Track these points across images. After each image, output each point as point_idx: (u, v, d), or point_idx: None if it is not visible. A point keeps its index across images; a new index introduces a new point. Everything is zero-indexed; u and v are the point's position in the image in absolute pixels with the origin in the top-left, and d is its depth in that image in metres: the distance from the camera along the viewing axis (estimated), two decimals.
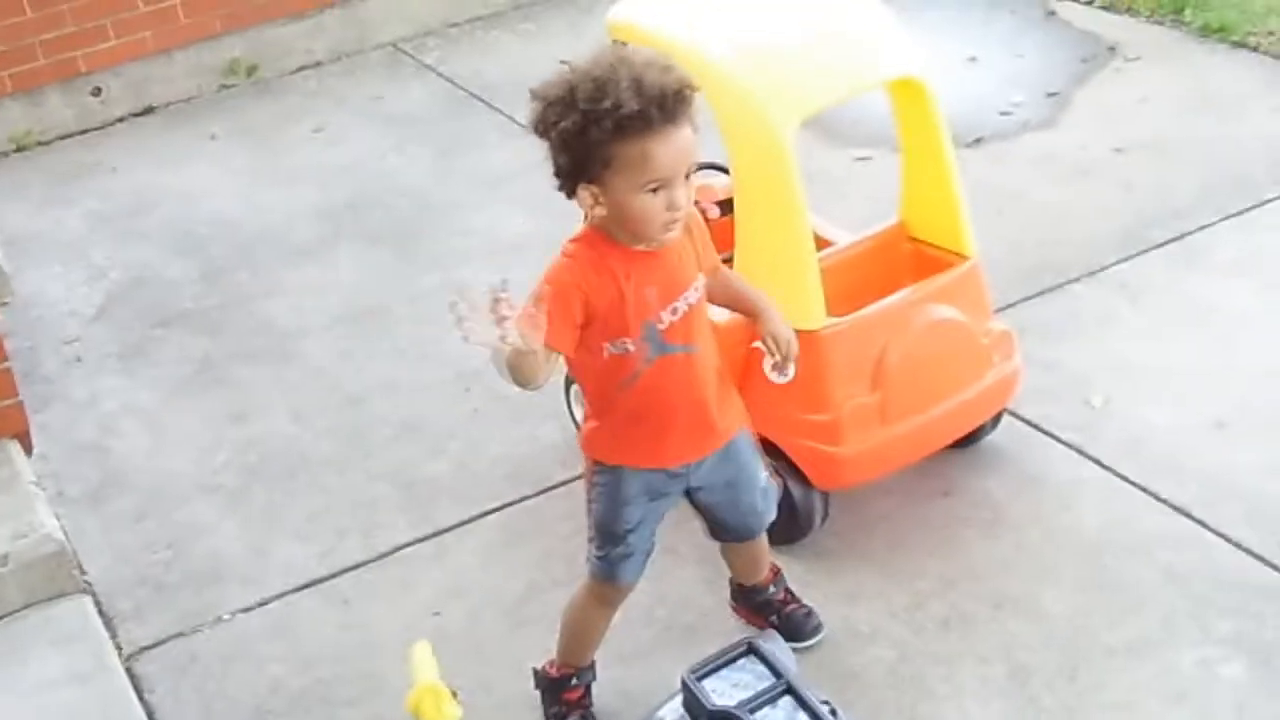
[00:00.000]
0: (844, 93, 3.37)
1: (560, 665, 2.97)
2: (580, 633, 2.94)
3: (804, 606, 3.17)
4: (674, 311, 2.63)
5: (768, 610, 3.14)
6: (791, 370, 2.81)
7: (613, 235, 2.56)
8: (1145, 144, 5.02)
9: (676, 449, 2.75)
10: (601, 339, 2.61)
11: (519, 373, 2.46)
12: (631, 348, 2.61)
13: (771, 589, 3.14)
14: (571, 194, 2.52)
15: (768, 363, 3.18)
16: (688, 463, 2.77)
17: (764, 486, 2.93)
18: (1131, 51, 5.68)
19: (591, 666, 2.99)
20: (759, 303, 2.84)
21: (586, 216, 2.58)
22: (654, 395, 2.68)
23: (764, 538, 3.04)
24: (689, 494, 2.84)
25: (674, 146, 2.43)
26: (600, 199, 2.49)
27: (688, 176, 2.49)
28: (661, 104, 2.40)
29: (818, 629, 3.16)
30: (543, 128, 2.48)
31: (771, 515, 2.98)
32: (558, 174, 2.51)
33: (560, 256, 2.59)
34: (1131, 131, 5.10)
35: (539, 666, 3.00)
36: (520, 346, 2.35)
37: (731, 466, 2.84)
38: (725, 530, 2.97)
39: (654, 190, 2.46)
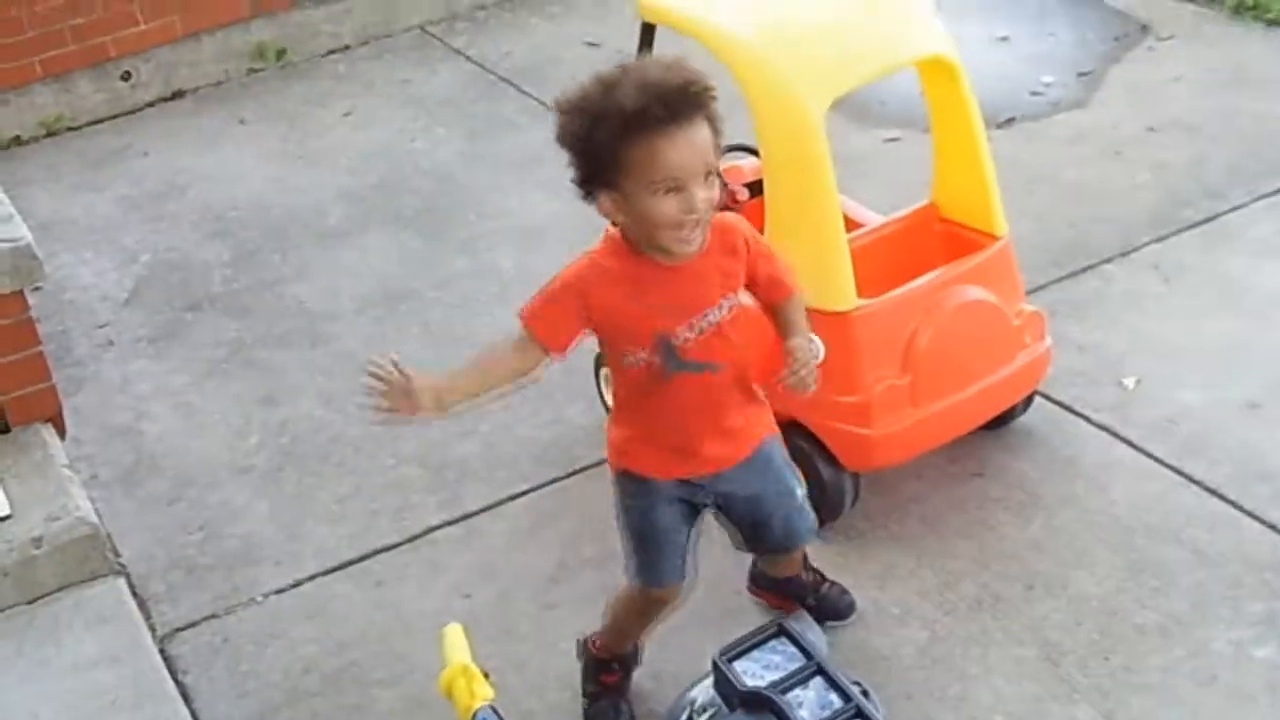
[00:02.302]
0: (875, 72, 3.35)
1: (602, 646, 2.97)
2: (620, 628, 2.94)
3: (837, 585, 3.17)
4: (693, 328, 2.57)
5: (802, 593, 3.13)
6: (811, 384, 2.66)
7: (636, 245, 2.52)
8: (1178, 123, 4.99)
9: (692, 463, 2.71)
10: (619, 348, 2.60)
11: (487, 386, 2.57)
12: (645, 360, 2.58)
13: (803, 575, 3.14)
14: (594, 201, 2.49)
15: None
16: (703, 475, 2.72)
17: (800, 501, 2.85)
18: (1164, 30, 5.63)
19: (635, 653, 2.99)
20: (796, 327, 2.73)
21: (613, 224, 2.56)
22: (671, 410, 2.65)
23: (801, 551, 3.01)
24: (719, 507, 2.81)
25: (683, 145, 2.38)
26: (621, 206, 2.46)
27: (708, 178, 2.42)
28: (665, 101, 2.35)
29: (852, 607, 3.17)
30: (560, 136, 2.46)
31: (811, 527, 2.91)
32: (576, 182, 2.49)
33: (582, 255, 2.58)
34: (1164, 111, 5.07)
35: (584, 638, 2.99)
36: (432, 414, 2.51)
37: (758, 480, 2.78)
38: (761, 544, 2.91)
39: (667, 191, 2.41)
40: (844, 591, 3.17)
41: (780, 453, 2.82)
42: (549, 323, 2.55)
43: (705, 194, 2.43)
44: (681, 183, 2.40)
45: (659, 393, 2.63)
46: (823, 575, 3.17)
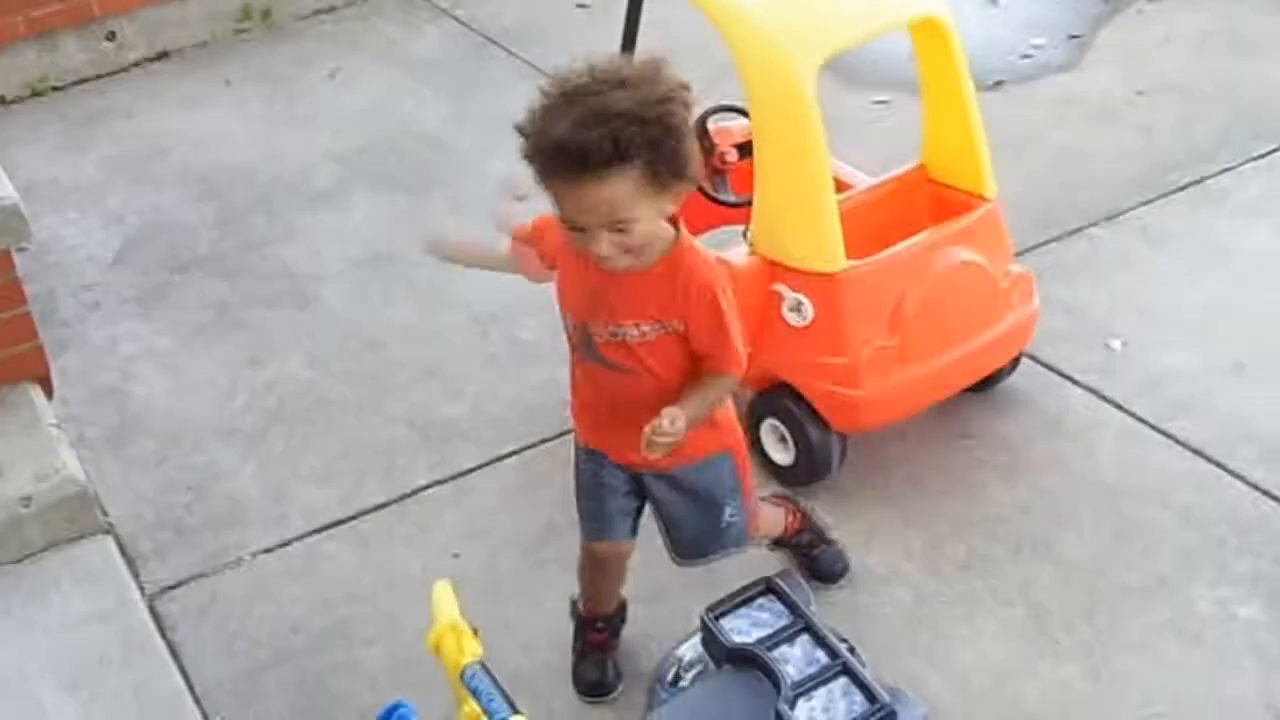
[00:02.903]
0: (865, 33, 3.35)
1: (586, 607, 2.99)
2: (585, 586, 2.97)
3: (831, 548, 3.17)
4: (607, 330, 2.56)
5: (795, 553, 3.15)
6: (657, 452, 2.47)
7: None
8: (1167, 86, 4.99)
9: (599, 438, 2.75)
10: (561, 306, 2.65)
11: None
12: (570, 331, 2.63)
13: (797, 537, 3.14)
14: None
15: (786, 304, 3.18)
16: (616, 462, 2.74)
17: (725, 522, 2.78)
18: None
19: (619, 611, 3.01)
20: (689, 398, 2.54)
21: None
22: (585, 389, 2.71)
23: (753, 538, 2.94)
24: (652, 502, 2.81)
25: (587, 198, 2.34)
26: None
27: (618, 227, 2.36)
28: (583, 153, 2.28)
29: (844, 571, 3.18)
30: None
31: (728, 545, 2.83)
32: None
33: None
34: (1154, 74, 5.07)
35: (574, 597, 3.01)
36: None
37: (679, 500, 2.75)
38: (672, 547, 2.86)
39: (572, 229, 2.41)
40: (838, 556, 3.18)
41: (717, 479, 2.74)
42: (539, 235, 2.69)
43: (612, 241, 2.38)
44: (584, 229, 2.39)
45: (579, 367, 2.68)
46: (821, 536, 3.17)
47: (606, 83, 2.33)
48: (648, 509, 2.84)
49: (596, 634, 2.99)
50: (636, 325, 2.53)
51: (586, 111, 2.29)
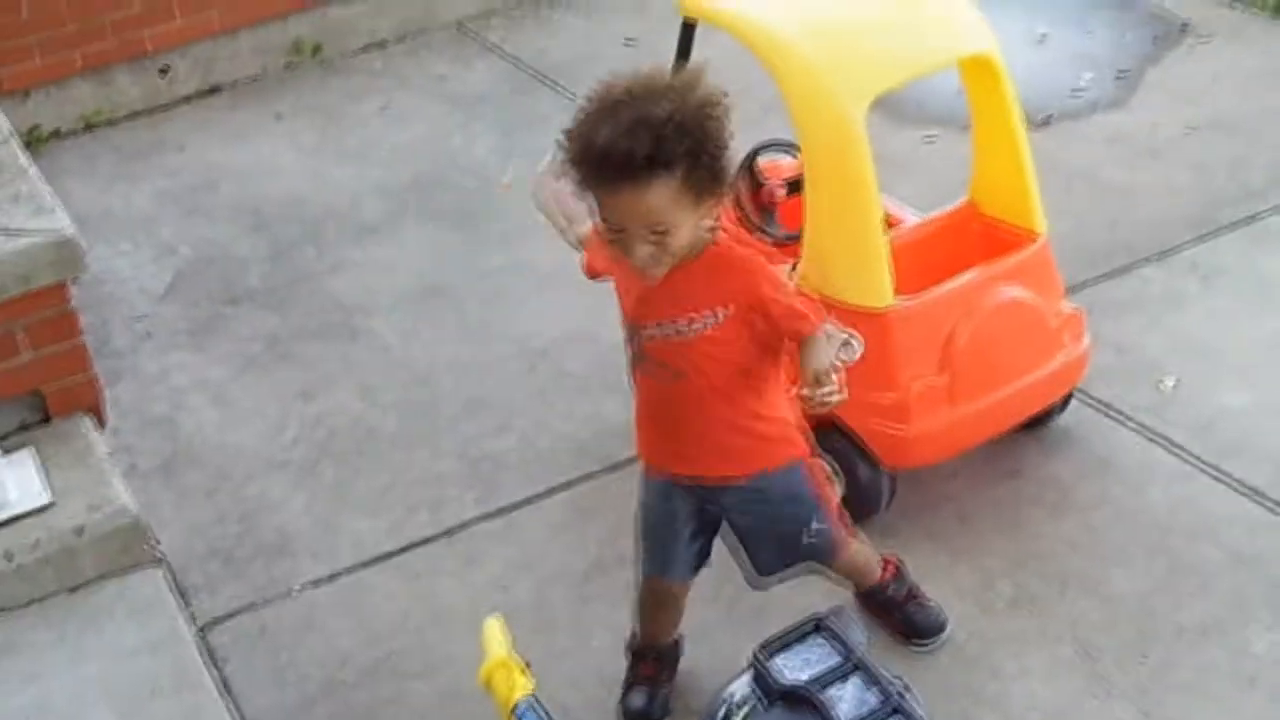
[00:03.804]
0: (915, 70, 3.35)
1: (641, 638, 2.99)
2: (642, 618, 2.97)
3: (924, 605, 3.11)
4: (664, 333, 2.58)
5: (890, 608, 3.09)
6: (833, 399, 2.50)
7: None
8: (1217, 124, 4.96)
9: (664, 455, 2.75)
10: (620, 310, 2.70)
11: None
12: (626, 338, 2.67)
13: (892, 589, 3.08)
14: None
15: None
16: (679, 474, 2.73)
17: (809, 538, 2.78)
18: (1204, 30, 5.60)
19: (675, 646, 3.00)
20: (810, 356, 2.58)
21: None
22: (645, 398, 2.72)
23: (843, 561, 2.93)
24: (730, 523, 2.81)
25: (625, 204, 2.41)
26: None
27: (656, 233, 2.42)
28: (627, 158, 2.35)
29: (941, 626, 3.10)
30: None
31: (813, 562, 2.86)
32: None
33: None
34: (1203, 111, 5.04)
35: (630, 630, 3.01)
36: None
37: (757, 512, 2.76)
38: (752, 564, 2.85)
39: (612, 231, 2.46)
40: (937, 611, 3.11)
41: (790, 487, 2.75)
42: (594, 249, 2.76)
43: (645, 249, 2.44)
44: (624, 233, 2.44)
45: (638, 377, 2.71)
46: (914, 591, 3.10)
47: (648, 92, 2.40)
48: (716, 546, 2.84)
49: (648, 665, 2.99)
50: (690, 320, 2.56)
51: (628, 119, 2.36)
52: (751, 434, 2.68)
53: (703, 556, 2.85)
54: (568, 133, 2.45)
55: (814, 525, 2.78)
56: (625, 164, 2.35)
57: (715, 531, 2.84)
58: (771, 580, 2.88)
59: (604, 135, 2.36)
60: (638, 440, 2.83)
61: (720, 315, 2.56)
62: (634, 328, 2.64)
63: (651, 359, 2.63)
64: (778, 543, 2.80)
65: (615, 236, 2.46)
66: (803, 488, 2.76)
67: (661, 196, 2.38)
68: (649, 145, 2.34)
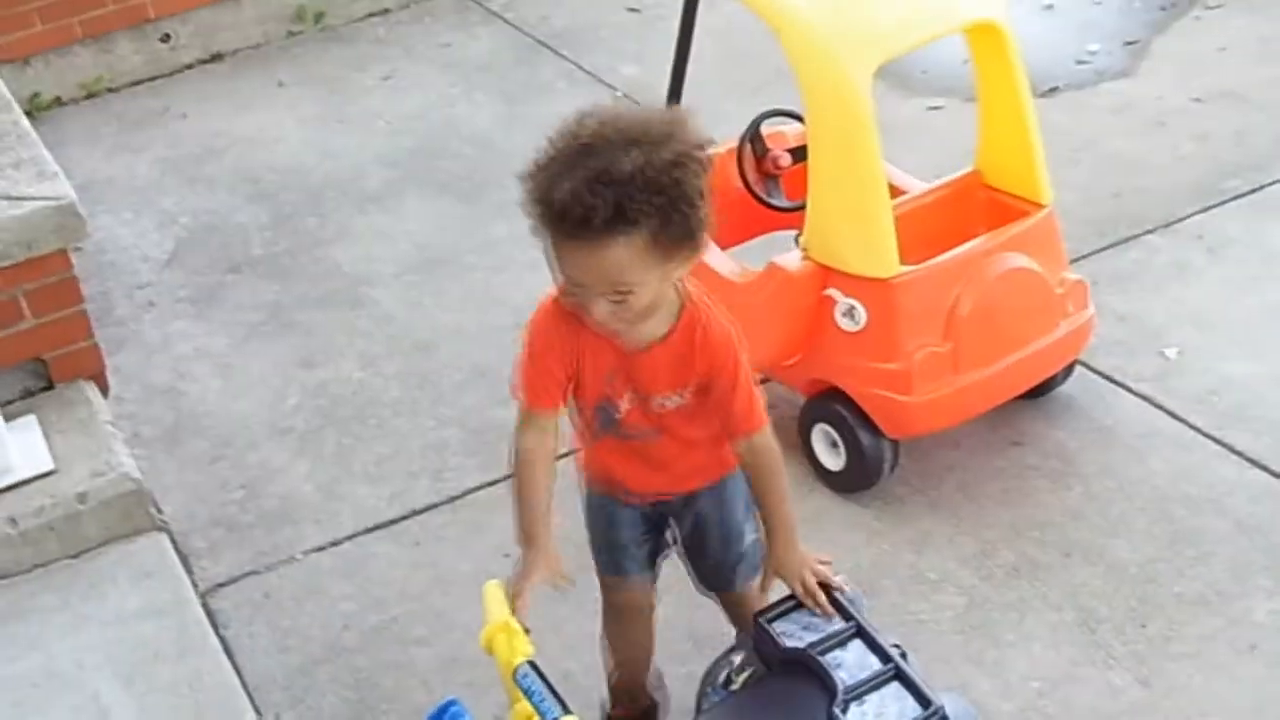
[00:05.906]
0: (922, 37, 3.33)
1: (615, 678, 2.89)
2: (611, 647, 2.86)
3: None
4: (644, 405, 2.46)
5: None
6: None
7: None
8: (1224, 94, 4.94)
9: (641, 485, 2.63)
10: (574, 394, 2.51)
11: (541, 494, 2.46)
12: (577, 419, 2.52)
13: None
14: None
15: (839, 309, 3.17)
16: (656, 492, 2.64)
17: (745, 547, 2.68)
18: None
19: (649, 711, 2.90)
20: (767, 505, 2.53)
21: None
22: (605, 457, 2.59)
23: (753, 596, 2.70)
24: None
25: (585, 261, 2.21)
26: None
27: (617, 294, 2.24)
28: (585, 216, 2.15)
29: None
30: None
31: (746, 575, 2.71)
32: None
33: (539, 306, 2.45)
34: (1210, 81, 5.02)
35: (602, 700, 2.91)
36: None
37: (706, 520, 2.67)
38: (697, 577, 2.78)
39: (573, 286, 2.28)
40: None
41: (734, 495, 2.65)
42: (537, 388, 2.45)
43: (605, 307, 2.26)
44: (583, 291, 2.27)
45: (596, 444, 2.58)
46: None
47: (617, 140, 2.18)
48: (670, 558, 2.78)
49: (622, 709, 2.89)
50: (678, 394, 2.45)
51: (592, 172, 2.16)
52: (720, 447, 2.58)
53: (656, 555, 2.75)
54: (528, 175, 2.24)
55: (749, 536, 2.68)
56: (583, 222, 2.15)
57: (663, 531, 2.74)
58: (716, 595, 2.79)
59: (564, 189, 2.15)
60: (587, 469, 2.67)
61: (693, 387, 2.45)
62: (600, 405, 2.49)
63: (622, 428, 2.51)
64: (722, 551, 2.69)
65: (574, 290, 2.29)
66: (744, 495, 2.65)
67: (623, 257, 2.19)
68: (610, 206, 2.14)
